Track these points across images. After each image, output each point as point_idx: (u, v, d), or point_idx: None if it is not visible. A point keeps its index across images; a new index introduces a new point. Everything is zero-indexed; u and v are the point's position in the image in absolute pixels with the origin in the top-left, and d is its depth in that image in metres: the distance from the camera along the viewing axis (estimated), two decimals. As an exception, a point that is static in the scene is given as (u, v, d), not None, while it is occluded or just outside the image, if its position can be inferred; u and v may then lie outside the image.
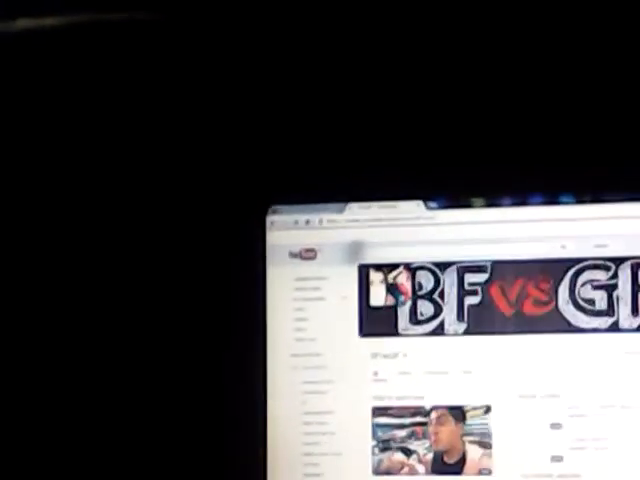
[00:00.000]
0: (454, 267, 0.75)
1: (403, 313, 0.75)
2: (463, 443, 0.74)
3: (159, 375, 0.78)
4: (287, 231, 0.77)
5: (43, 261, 0.78)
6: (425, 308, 0.75)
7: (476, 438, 0.74)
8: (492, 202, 0.74)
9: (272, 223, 0.77)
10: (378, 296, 0.76)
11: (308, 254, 0.77)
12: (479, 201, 0.75)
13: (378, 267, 0.76)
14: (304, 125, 0.77)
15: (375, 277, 0.76)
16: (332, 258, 0.76)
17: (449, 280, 0.75)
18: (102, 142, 0.78)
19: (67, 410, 0.78)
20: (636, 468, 0.72)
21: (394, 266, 0.76)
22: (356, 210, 0.77)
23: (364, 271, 0.76)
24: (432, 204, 0.76)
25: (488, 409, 0.74)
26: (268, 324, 0.77)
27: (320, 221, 0.77)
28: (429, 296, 0.75)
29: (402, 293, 0.75)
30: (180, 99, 0.76)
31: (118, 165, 0.78)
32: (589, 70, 0.71)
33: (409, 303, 0.75)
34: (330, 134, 0.76)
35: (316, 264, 0.77)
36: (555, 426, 0.73)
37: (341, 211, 0.77)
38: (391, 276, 0.76)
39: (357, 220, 0.77)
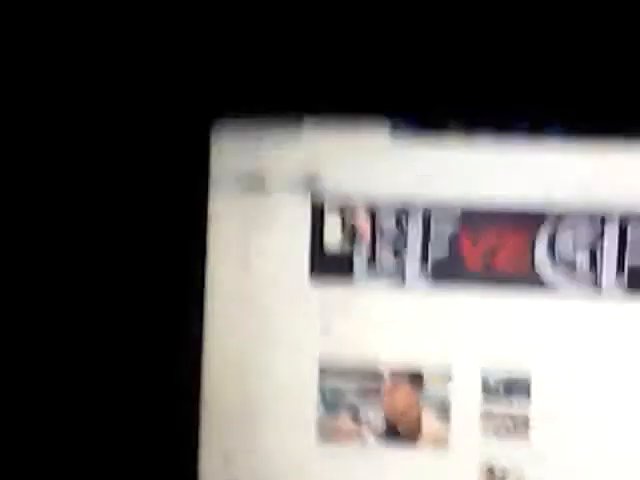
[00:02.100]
0: (420, 211, 0.71)
1: (360, 259, 0.72)
2: (419, 412, 0.72)
3: (88, 307, 0.76)
4: (234, 154, 0.74)
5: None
6: (385, 256, 0.72)
7: (434, 407, 0.72)
8: (468, 136, 0.71)
9: (217, 144, 0.74)
10: (333, 237, 0.73)
11: (256, 182, 0.74)
12: (455, 136, 0.71)
13: (335, 203, 0.73)
14: (258, 29, 0.73)
15: (331, 214, 0.73)
16: (283, 189, 0.73)
17: (413, 225, 0.72)
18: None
19: None
20: (609, 443, 0.70)
21: (352, 204, 0.72)
22: (314, 136, 0.73)
23: (319, 206, 0.73)
24: (400, 135, 0.72)
25: (449, 376, 0.71)
26: (208, 260, 0.74)
27: (272, 145, 0.73)
28: (390, 242, 0.72)
29: (360, 236, 0.72)
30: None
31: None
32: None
33: (367, 248, 0.72)
34: (288, 41, 0.73)
35: (265, 194, 0.74)
36: (523, 398, 0.71)
37: (296, 135, 0.73)
38: (348, 215, 0.72)
39: (314, 147, 0.73)
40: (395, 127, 0.71)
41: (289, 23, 0.72)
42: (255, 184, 0.73)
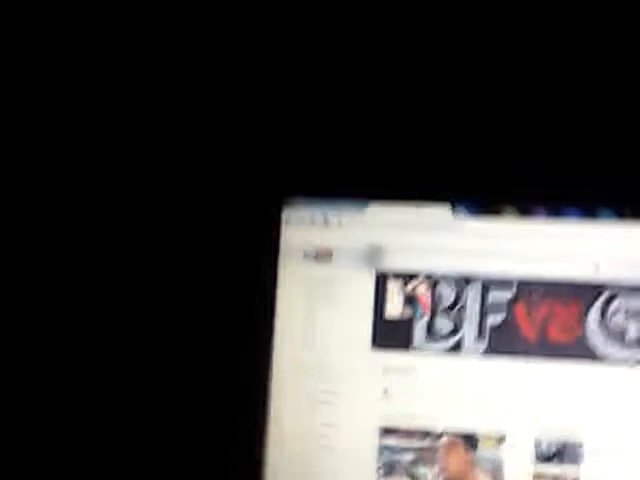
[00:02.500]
0: (478, 281, 0.76)
1: (420, 327, 0.77)
2: (473, 473, 0.76)
3: (159, 373, 0.82)
4: (303, 228, 0.80)
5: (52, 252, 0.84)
6: (443, 323, 0.77)
7: (487, 469, 0.75)
8: (524, 213, 0.76)
9: (287, 219, 0.80)
10: (395, 306, 0.78)
11: (323, 255, 0.79)
12: (511, 211, 0.76)
13: (397, 275, 0.78)
14: (326, 113, 0.79)
15: (393, 286, 0.78)
16: (348, 261, 0.79)
17: (471, 295, 0.76)
18: (111, 137, 0.83)
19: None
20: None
21: (414, 275, 0.77)
22: (378, 211, 0.78)
23: (381, 278, 0.78)
24: (460, 210, 0.77)
25: (502, 439, 0.75)
26: (276, 327, 0.79)
27: (339, 220, 0.79)
28: (449, 311, 0.77)
29: (420, 305, 0.77)
30: (192, 88, 0.81)
31: (127, 156, 0.83)
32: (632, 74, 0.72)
33: (427, 316, 0.77)
34: (355, 126, 0.78)
35: (331, 267, 0.79)
36: (574, 462, 0.74)
37: (361, 211, 0.79)
38: (410, 286, 0.77)
39: (378, 222, 0.78)
40: (455, 210, 0.76)
41: (357, 115, 0.79)
42: (322, 257, 0.78)
